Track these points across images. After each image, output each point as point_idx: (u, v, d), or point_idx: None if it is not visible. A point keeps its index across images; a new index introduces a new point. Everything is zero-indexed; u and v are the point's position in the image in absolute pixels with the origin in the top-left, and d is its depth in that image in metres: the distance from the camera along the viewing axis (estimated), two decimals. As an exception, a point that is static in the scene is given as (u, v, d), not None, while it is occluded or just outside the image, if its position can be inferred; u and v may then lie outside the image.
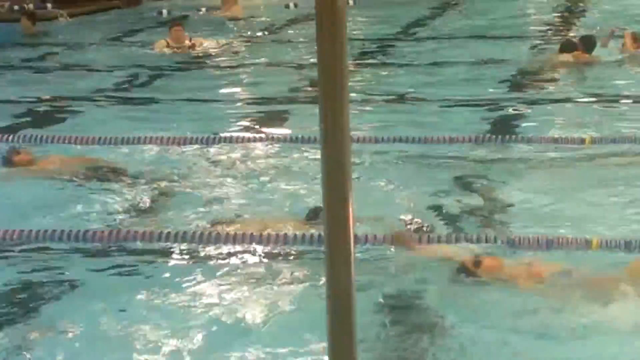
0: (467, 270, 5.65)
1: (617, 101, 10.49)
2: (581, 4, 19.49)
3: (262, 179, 7.93)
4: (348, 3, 20.14)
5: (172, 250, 6.41)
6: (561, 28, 16.27)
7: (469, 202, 7.21)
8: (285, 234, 6.44)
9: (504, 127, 9.39)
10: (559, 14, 18.14)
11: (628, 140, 8.52)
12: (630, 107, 10.23)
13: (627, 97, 10.63)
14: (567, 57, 12.36)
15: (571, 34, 15.20)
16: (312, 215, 6.66)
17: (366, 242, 6.26)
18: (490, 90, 11.22)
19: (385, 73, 12.86)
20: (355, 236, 5.78)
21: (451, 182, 7.78)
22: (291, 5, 19.78)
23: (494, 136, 8.89)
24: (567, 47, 12.54)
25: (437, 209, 7.06)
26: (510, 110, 10.25)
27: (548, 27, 16.37)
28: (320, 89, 2.29)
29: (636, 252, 6.03)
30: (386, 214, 6.92)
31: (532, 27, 16.49)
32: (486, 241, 6.29)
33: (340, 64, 2.29)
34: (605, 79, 11.58)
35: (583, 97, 10.69)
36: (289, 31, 16.97)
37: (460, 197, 7.33)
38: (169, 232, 6.55)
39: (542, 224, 6.67)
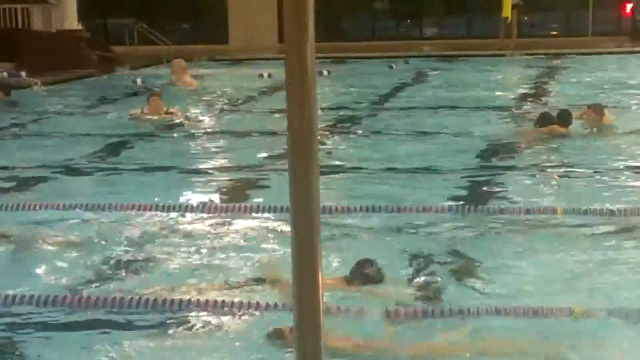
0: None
1: (589, 174, 10.55)
2: (554, 77, 19.80)
3: (229, 248, 7.89)
4: (322, 74, 20.33)
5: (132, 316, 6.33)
6: (535, 100, 16.46)
7: (439, 272, 7.19)
8: (249, 302, 6.39)
9: (477, 198, 9.43)
10: (532, 86, 18.39)
11: (599, 212, 8.56)
12: (600, 179, 10.30)
13: (598, 170, 10.71)
14: (543, 130, 12.45)
15: (542, 105, 15.41)
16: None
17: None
18: (464, 160, 11.28)
19: (358, 143, 12.93)
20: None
21: (424, 252, 7.76)
22: (265, 75, 19.96)
23: (466, 206, 8.90)
24: (543, 120, 12.62)
25: (407, 278, 7.04)
26: (484, 181, 10.29)
27: (522, 99, 16.55)
28: (290, 158, 2.31)
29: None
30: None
31: (506, 99, 16.65)
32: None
33: (310, 132, 2.31)
34: (578, 152, 11.67)
35: (556, 169, 10.75)
36: (263, 100, 17.10)
37: (431, 268, 7.30)
38: (131, 298, 6.49)
39: (513, 294, 6.66)
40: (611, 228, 8.20)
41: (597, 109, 13.06)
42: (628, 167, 10.76)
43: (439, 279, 7.04)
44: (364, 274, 6.76)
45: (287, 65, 2.28)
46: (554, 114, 12.88)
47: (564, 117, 12.65)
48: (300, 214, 2.30)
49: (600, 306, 6.22)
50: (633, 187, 9.87)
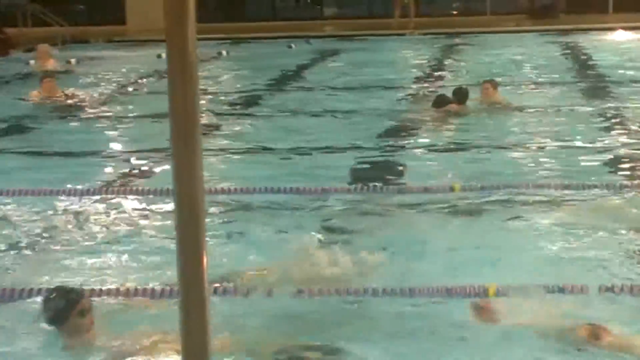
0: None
1: (485, 149, 10.68)
2: (454, 56, 19.99)
3: (126, 232, 7.80)
4: (222, 54, 20.19)
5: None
6: (434, 80, 16.60)
7: (341, 252, 7.18)
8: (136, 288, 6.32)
9: (376, 176, 9.46)
10: (432, 66, 18.54)
11: (495, 187, 8.66)
12: (496, 154, 10.45)
13: (489, 145, 10.85)
14: (439, 110, 12.54)
15: (440, 84, 15.56)
16: None
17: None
18: (362, 140, 11.31)
19: (257, 123, 12.86)
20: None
21: (322, 231, 7.76)
22: (164, 55, 19.71)
23: (365, 186, 8.93)
24: (440, 102, 12.70)
25: (308, 258, 7.02)
26: (383, 160, 10.35)
27: (422, 79, 16.67)
28: (172, 140, 2.25)
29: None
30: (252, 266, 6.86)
31: (406, 79, 16.75)
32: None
33: (192, 113, 2.25)
34: (475, 129, 11.81)
35: (454, 147, 10.85)
36: (162, 82, 16.89)
37: (330, 247, 7.30)
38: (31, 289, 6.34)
39: (410, 273, 6.69)
40: (508, 203, 8.29)
41: (493, 83, 13.24)
42: (522, 143, 10.93)
43: (338, 257, 7.03)
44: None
45: (168, 47, 2.22)
46: (452, 92, 12.99)
47: (460, 95, 12.78)
48: (183, 196, 2.25)
49: (502, 281, 6.27)
50: (527, 162, 10.03)
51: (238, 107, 14.23)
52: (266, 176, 9.65)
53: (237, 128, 12.50)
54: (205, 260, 2.26)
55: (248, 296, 6.24)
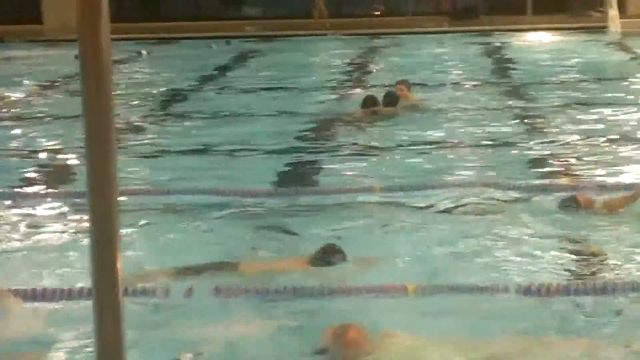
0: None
1: (408, 149, 10.74)
2: (376, 56, 20.09)
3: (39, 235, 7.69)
4: (142, 54, 20.02)
5: None
6: (353, 80, 16.64)
7: (266, 253, 7.17)
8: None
9: (300, 178, 9.45)
10: (354, 66, 18.59)
11: (416, 187, 8.71)
12: (417, 155, 10.51)
13: (413, 145, 10.93)
14: (367, 111, 12.55)
15: (364, 85, 15.62)
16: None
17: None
18: (284, 141, 11.29)
19: (183, 124, 12.75)
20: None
21: (249, 233, 7.73)
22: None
23: (288, 188, 8.92)
24: (369, 102, 12.70)
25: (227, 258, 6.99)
26: (308, 162, 10.34)
27: (343, 80, 16.70)
28: (86, 141, 2.21)
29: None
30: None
31: (328, 80, 16.76)
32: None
33: (106, 113, 2.21)
34: (399, 128, 11.86)
35: (379, 148, 10.88)
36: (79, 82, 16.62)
37: (256, 249, 7.28)
38: None
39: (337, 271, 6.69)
40: (427, 202, 8.34)
41: (407, 84, 13.29)
42: (443, 143, 11.02)
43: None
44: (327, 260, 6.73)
45: (80, 46, 2.18)
46: (380, 94, 13.00)
47: (390, 98, 12.83)
48: (97, 197, 2.22)
49: (421, 280, 6.31)
50: (447, 161, 10.10)
51: (157, 107, 14.10)
52: (185, 177, 9.57)
53: (157, 128, 12.38)
54: (119, 260, 2.24)
55: (168, 296, 6.18)
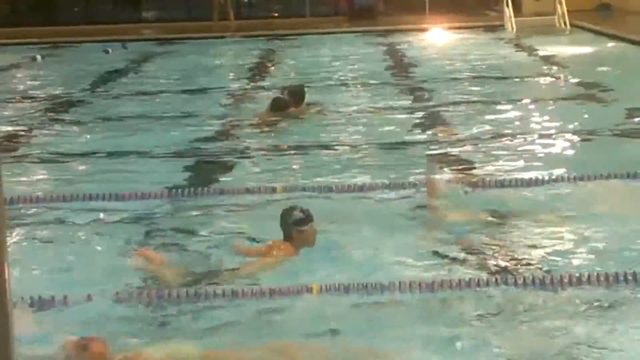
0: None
1: (311, 151, 10.66)
2: (276, 58, 20.03)
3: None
4: (36, 59, 19.60)
5: None
6: (254, 82, 16.53)
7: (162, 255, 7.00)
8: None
9: (202, 179, 9.30)
10: (255, 68, 18.48)
11: (317, 189, 8.64)
12: (319, 154, 10.43)
13: (316, 145, 10.86)
14: (278, 112, 12.41)
15: (265, 86, 15.52)
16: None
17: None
18: (185, 144, 11.11)
19: (78, 129, 12.44)
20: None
21: (145, 237, 7.56)
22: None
23: (187, 190, 8.76)
24: (277, 104, 12.54)
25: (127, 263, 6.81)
26: (209, 163, 10.19)
27: (245, 82, 16.56)
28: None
29: (355, 293, 6.07)
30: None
31: (230, 82, 16.63)
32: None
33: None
34: (302, 130, 11.79)
35: (285, 148, 10.79)
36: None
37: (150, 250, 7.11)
38: None
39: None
40: (328, 204, 8.26)
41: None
42: (344, 143, 10.97)
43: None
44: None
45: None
46: (285, 94, 12.85)
47: (297, 95, 12.68)
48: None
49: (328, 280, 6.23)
50: (347, 161, 10.04)
51: (52, 112, 13.77)
52: (83, 182, 9.34)
53: (53, 134, 12.09)
54: (7, 269, 2.07)
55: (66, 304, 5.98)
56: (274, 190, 8.68)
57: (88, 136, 11.95)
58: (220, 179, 9.48)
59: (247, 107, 13.70)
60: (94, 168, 10.17)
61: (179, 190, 8.76)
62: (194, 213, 8.22)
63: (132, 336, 5.66)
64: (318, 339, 5.58)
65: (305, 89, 13.02)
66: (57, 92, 15.72)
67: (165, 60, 20.12)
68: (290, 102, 12.53)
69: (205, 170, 9.94)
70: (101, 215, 8.17)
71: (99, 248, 7.36)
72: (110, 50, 21.01)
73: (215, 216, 8.15)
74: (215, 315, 5.96)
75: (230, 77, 17.28)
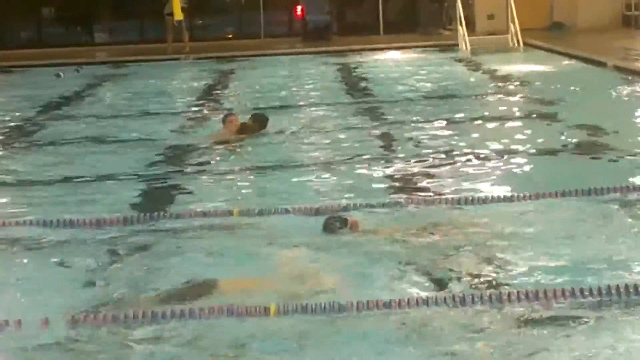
0: None
1: (266, 172, 10.59)
2: (231, 79, 19.97)
3: None
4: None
5: None
6: (209, 104, 16.45)
7: (117, 287, 6.88)
8: None
9: (157, 203, 9.19)
10: (210, 90, 18.41)
11: (274, 212, 8.54)
12: (276, 176, 10.36)
13: (272, 167, 10.80)
14: (240, 135, 12.39)
15: (222, 108, 15.44)
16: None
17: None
18: (139, 167, 10.98)
19: (24, 154, 12.24)
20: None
21: (99, 265, 7.42)
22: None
23: (142, 215, 8.63)
24: (244, 131, 12.49)
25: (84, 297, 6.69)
26: (161, 188, 10.07)
27: (200, 104, 16.48)
28: None
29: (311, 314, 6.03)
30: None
31: (185, 104, 16.52)
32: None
33: None
34: (260, 151, 11.75)
35: (242, 170, 10.71)
36: None
37: (107, 282, 6.99)
38: None
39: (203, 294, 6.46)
40: (284, 226, 8.17)
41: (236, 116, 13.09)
42: (298, 165, 10.90)
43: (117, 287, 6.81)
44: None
45: None
46: (249, 120, 12.83)
47: (261, 121, 12.78)
48: None
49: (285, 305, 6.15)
50: (301, 185, 9.95)
51: (2, 136, 13.55)
52: (35, 209, 9.17)
53: (3, 158, 11.88)
54: None
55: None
56: (230, 213, 8.58)
57: (40, 161, 11.77)
58: (176, 203, 9.37)
59: (201, 130, 13.59)
60: (46, 193, 10.00)
61: (134, 216, 8.63)
62: (150, 238, 8.08)
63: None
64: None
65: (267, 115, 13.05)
66: (7, 117, 15.48)
67: (118, 83, 19.96)
68: (254, 127, 12.61)
69: (160, 194, 9.82)
70: (53, 239, 8.04)
71: (51, 273, 7.24)
72: (62, 74, 20.78)
73: (172, 240, 8.01)
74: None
75: (185, 100, 17.16)
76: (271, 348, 5.70)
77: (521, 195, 8.78)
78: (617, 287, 6.16)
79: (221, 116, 13.47)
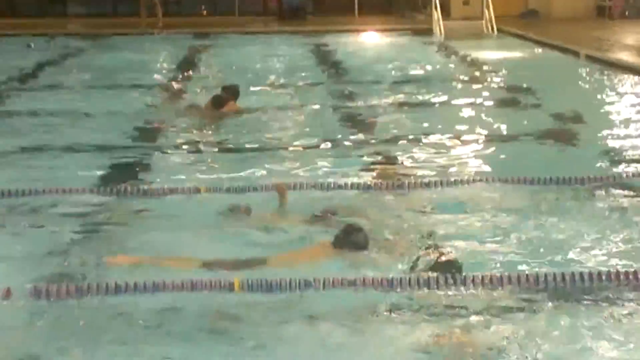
0: None
1: (236, 150, 10.58)
2: (205, 55, 19.93)
3: None
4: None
5: None
6: (181, 79, 16.42)
7: (87, 257, 6.88)
8: None
9: (127, 177, 9.17)
10: (184, 65, 18.37)
11: (242, 190, 8.56)
12: (252, 155, 10.36)
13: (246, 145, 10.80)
14: (218, 110, 12.38)
15: (190, 84, 15.40)
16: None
17: None
18: (110, 141, 10.94)
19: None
20: None
21: (67, 236, 7.42)
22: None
23: (112, 188, 8.63)
24: (218, 101, 12.49)
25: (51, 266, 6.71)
26: (130, 162, 10.04)
27: (174, 78, 16.48)
28: None
29: (278, 291, 6.07)
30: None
31: (153, 78, 16.45)
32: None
33: None
34: (234, 129, 11.71)
35: (216, 146, 10.71)
36: None
37: (77, 252, 7.01)
38: None
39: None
40: (257, 201, 8.19)
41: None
42: (272, 144, 10.90)
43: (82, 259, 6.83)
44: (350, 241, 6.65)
45: None
46: (221, 91, 12.83)
47: (234, 92, 12.77)
48: None
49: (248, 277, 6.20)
50: (274, 162, 9.97)
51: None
52: (5, 178, 9.13)
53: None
54: None
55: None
56: (197, 190, 8.57)
57: (9, 131, 11.71)
58: (143, 178, 9.35)
59: (173, 104, 13.56)
60: (16, 164, 9.97)
61: (102, 189, 8.63)
62: (117, 212, 8.08)
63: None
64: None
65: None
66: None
67: (91, 55, 19.85)
68: (227, 98, 12.57)
69: (128, 169, 9.79)
70: (19, 209, 8.03)
71: (14, 243, 7.23)
72: (32, 45, 20.67)
73: (139, 216, 8.01)
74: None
75: (157, 74, 17.10)
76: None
77: (477, 178, 8.88)
78: (572, 274, 6.25)
79: (197, 91, 13.46)
